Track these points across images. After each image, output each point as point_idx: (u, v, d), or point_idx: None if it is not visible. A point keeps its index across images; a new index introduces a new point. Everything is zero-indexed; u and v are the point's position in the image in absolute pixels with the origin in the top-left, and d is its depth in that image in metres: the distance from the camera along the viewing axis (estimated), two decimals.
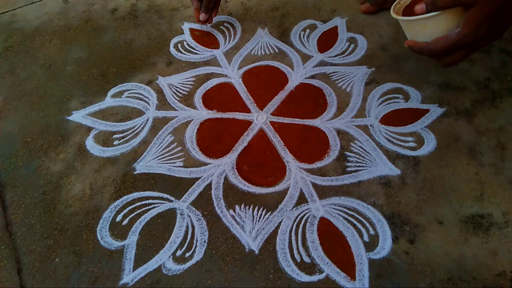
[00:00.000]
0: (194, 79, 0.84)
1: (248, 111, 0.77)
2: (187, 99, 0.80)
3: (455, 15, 0.51)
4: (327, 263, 0.57)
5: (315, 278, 0.56)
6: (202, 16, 0.86)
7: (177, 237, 0.62)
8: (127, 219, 0.65)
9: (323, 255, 0.58)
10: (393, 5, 0.61)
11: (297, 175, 0.67)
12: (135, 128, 0.77)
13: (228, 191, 0.66)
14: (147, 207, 0.66)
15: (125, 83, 0.85)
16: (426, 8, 0.51)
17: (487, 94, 0.72)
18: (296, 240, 0.60)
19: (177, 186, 0.68)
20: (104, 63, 0.90)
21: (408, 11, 0.60)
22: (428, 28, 0.54)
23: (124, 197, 0.67)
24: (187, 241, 0.61)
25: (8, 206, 0.69)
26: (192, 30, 0.94)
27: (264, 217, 0.63)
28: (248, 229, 0.62)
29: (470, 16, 0.49)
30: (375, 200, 0.62)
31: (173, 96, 0.81)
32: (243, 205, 0.64)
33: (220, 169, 0.69)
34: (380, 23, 0.88)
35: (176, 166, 0.70)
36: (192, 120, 0.77)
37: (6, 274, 0.61)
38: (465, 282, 0.54)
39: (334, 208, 0.62)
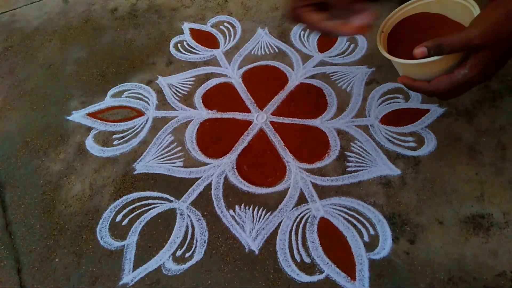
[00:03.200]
0: (194, 79, 0.84)
1: (248, 111, 0.77)
2: (187, 99, 0.80)
3: (456, 54, 0.48)
4: (327, 263, 0.57)
5: (315, 278, 0.56)
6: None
7: (177, 237, 0.62)
8: (127, 219, 0.64)
9: (323, 255, 0.58)
10: (378, 34, 0.57)
11: (297, 175, 0.67)
12: (135, 128, 0.77)
13: (228, 191, 0.66)
14: (147, 207, 0.66)
15: (125, 83, 0.85)
16: (429, 52, 0.47)
17: (487, 94, 0.72)
18: (296, 240, 0.60)
19: (177, 186, 0.68)
20: (104, 63, 0.89)
21: (393, 40, 0.57)
22: (427, 69, 0.50)
23: (124, 197, 0.67)
24: (187, 241, 0.61)
25: (7, 206, 0.69)
26: (192, 30, 0.94)
27: (264, 217, 0.63)
28: (248, 229, 0.61)
29: (479, 58, 0.46)
30: (375, 200, 0.62)
31: (173, 96, 0.81)
32: (243, 205, 0.64)
33: (220, 169, 0.69)
34: (380, 23, 0.88)
35: (176, 166, 0.70)
36: (192, 120, 0.77)
37: (6, 274, 0.61)
38: (465, 282, 0.54)
39: (334, 208, 0.62)
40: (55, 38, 0.97)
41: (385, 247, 0.58)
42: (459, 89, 0.49)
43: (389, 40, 0.58)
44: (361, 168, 0.66)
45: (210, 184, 0.67)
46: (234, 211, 0.64)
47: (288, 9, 0.54)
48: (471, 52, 0.47)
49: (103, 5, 1.04)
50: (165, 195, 0.67)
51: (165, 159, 0.71)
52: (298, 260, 0.58)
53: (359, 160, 0.67)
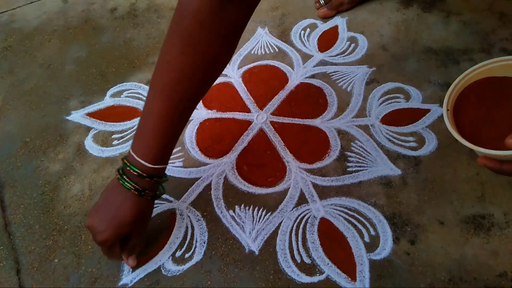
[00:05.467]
0: None
1: (248, 110, 0.77)
2: None
3: None
4: (328, 264, 0.57)
5: (315, 279, 0.56)
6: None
7: (177, 238, 0.62)
8: None
9: (324, 256, 0.57)
10: (444, 113, 0.47)
11: (297, 175, 0.66)
12: (135, 128, 0.76)
13: (228, 192, 0.66)
14: None
15: (125, 83, 0.85)
16: None
17: None
18: (297, 240, 0.59)
19: (177, 187, 0.67)
20: (103, 63, 0.89)
21: (458, 114, 0.48)
22: None
23: None
24: (187, 241, 0.61)
25: (7, 206, 0.68)
26: None
27: (264, 217, 0.62)
28: (248, 230, 0.61)
29: None
30: (376, 200, 0.62)
31: None
32: (243, 205, 0.64)
33: (220, 169, 0.69)
34: (380, 23, 0.88)
35: (175, 166, 0.70)
36: (192, 120, 0.77)
37: (5, 274, 0.60)
38: (466, 282, 0.53)
39: (334, 209, 0.62)
40: (54, 38, 0.96)
41: (385, 247, 0.57)
42: None
43: (454, 114, 0.48)
44: (361, 168, 0.66)
45: (209, 184, 0.67)
46: (234, 211, 0.63)
47: None
48: None
49: (102, 4, 1.03)
50: (164, 195, 0.66)
51: None
52: (299, 261, 0.57)
53: (359, 160, 0.67)
